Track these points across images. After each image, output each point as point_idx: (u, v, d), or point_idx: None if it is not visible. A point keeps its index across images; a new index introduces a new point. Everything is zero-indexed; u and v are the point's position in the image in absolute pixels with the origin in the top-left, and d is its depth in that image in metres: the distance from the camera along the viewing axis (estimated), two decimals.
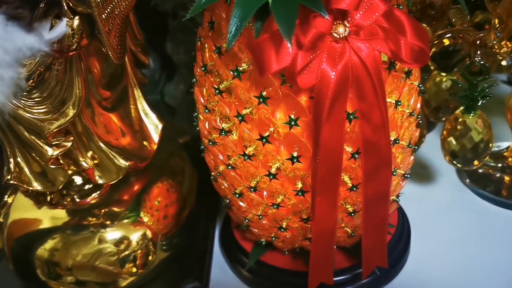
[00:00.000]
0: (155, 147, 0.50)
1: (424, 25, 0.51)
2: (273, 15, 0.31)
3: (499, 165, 0.60)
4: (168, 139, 0.56)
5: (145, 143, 0.50)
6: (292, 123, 0.37)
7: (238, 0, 0.32)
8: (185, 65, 0.71)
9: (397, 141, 0.40)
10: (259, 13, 0.32)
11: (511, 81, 0.76)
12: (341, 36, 0.34)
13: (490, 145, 0.51)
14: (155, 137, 0.50)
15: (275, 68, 0.34)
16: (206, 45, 0.40)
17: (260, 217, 0.43)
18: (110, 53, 0.37)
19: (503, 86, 0.75)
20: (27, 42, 0.25)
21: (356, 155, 0.38)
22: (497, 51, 0.47)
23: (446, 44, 0.50)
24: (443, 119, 0.60)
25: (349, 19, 0.34)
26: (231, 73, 0.37)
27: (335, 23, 0.34)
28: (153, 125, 0.50)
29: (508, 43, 0.46)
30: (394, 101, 0.39)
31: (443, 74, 0.55)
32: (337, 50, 0.34)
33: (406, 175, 0.45)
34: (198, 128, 0.46)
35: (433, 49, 0.50)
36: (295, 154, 0.38)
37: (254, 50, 0.34)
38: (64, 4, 0.34)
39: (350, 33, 0.34)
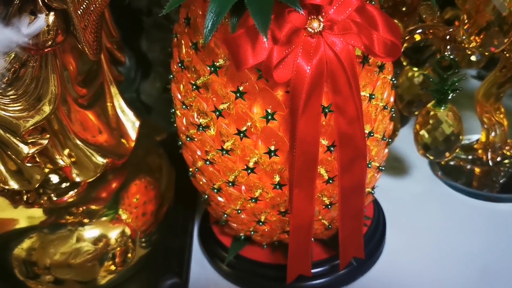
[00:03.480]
0: (132, 144, 0.50)
1: (396, 21, 0.52)
2: (249, 10, 0.31)
3: (470, 157, 0.62)
4: (145, 136, 0.56)
5: (122, 140, 0.50)
6: (269, 117, 0.37)
7: None
8: (161, 63, 0.71)
9: (372, 134, 0.41)
10: (235, 8, 0.32)
11: (481, 76, 0.78)
12: (316, 30, 0.35)
13: (461, 137, 0.52)
14: (133, 134, 0.50)
15: (251, 63, 0.34)
16: (182, 41, 0.40)
17: (239, 211, 0.43)
18: (86, 49, 0.37)
19: (473, 81, 0.77)
20: (6, 35, 0.25)
21: (332, 148, 0.39)
22: (466, 45, 0.48)
23: (417, 39, 0.51)
24: (416, 113, 0.61)
25: (323, 14, 0.35)
26: (208, 68, 0.38)
27: (309, 18, 0.34)
28: (130, 122, 0.50)
29: (476, 37, 0.47)
30: (368, 95, 0.40)
31: (415, 69, 0.57)
32: (312, 44, 0.35)
33: (380, 168, 0.46)
34: (175, 125, 0.46)
35: (405, 45, 0.51)
36: (272, 148, 0.39)
37: (230, 45, 0.35)
38: (39, 0, 0.34)
39: (324, 27, 0.35)
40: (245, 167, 0.40)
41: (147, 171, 0.54)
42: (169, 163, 0.59)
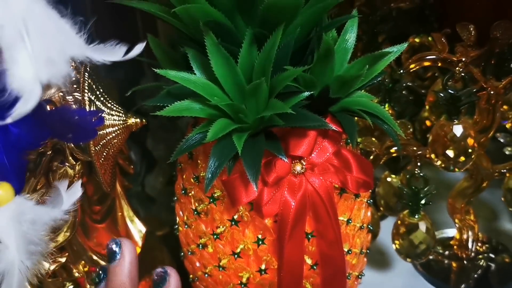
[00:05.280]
0: (138, 250, 0.55)
1: (373, 139, 0.59)
2: (242, 161, 0.38)
3: (446, 252, 0.67)
4: (148, 234, 0.62)
5: None
6: (260, 242, 0.43)
7: (213, 150, 0.39)
8: (164, 160, 0.78)
9: (350, 251, 0.47)
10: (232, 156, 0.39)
11: None
12: (299, 172, 0.41)
13: (433, 243, 0.58)
14: (139, 241, 0.55)
15: (245, 201, 0.41)
16: (185, 171, 0.47)
17: None
18: (103, 186, 0.43)
19: None
20: (52, 216, 0.30)
21: (315, 267, 0.45)
22: (434, 163, 0.55)
23: (393, 155, 0.58)
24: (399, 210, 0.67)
25: (305, 158, 0.41)
26: (207, 198, 0.44)
27: (293, 162, 0.41)
28: (138, 230, 0.55)
29: (442, 157, 0.54)
30: (345, 220, 0.45)
31: (393, 176, 0.63)
32: (296, 183, 0.41)
33: (360, 276, 0.51)
34: (176, 217, 0.51)
35: (384, 159, 0.58)
36: (263, 267, 0.44)
37: (227, 185, 0.41)
38: (68, 153, 0.40)
39: (306, 169, 0.41)
40: (239, 282, 0.45)
41: (151, 270, 0.59)
42: (171, 258, 0.64)
